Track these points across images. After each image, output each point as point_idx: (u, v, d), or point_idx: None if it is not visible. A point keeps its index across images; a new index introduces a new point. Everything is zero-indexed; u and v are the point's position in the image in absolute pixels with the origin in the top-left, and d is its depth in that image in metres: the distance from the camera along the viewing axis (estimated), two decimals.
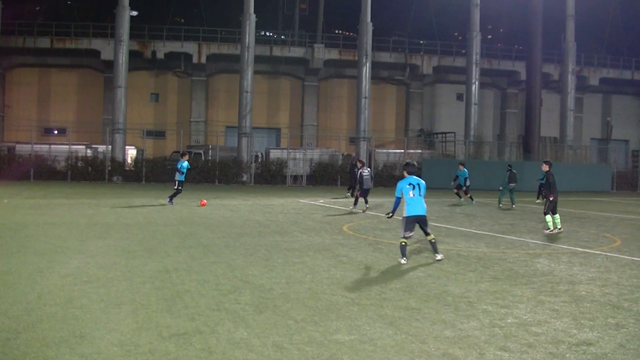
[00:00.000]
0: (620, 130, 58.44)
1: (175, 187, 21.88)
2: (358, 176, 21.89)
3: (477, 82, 46.64)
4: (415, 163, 12.06)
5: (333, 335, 6.25)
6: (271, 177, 40.98)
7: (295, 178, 42.12)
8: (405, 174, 11.08)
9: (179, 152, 40.66)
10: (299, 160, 42.42)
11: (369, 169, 22.61)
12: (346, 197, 28.12)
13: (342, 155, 44.13)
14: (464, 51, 50.33)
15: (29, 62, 48.08)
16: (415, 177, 10.96)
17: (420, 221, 10.88)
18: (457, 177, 26.78)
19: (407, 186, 10.82)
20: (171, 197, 21.78)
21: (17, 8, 45.45)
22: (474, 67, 46.44)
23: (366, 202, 21.62)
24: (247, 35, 41.06)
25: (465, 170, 26.49)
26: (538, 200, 28.91)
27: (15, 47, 45.36)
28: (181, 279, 8.81)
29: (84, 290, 7.93)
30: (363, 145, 42.90)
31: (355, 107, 44.69)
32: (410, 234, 10.84)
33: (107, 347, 5.67)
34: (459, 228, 16.91)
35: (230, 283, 8.65)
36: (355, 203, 21.71)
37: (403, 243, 10.78)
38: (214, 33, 49.09)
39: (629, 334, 6.59)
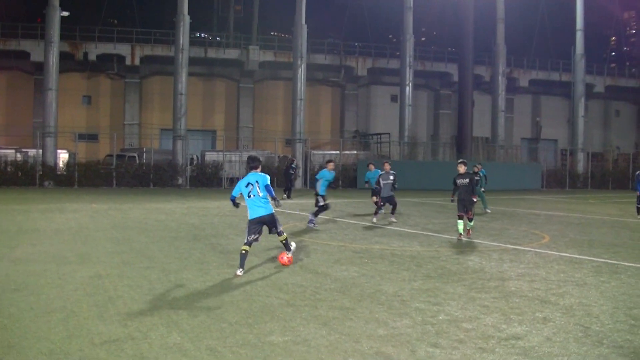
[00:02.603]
0: (550, 130, 60.12)
1: (318, 203, 17.06)
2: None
3: (411, 84, 47.26)
4: (258, 157, 10.29)
5: (267, 337, 6.26)
6: (207, 179, 40.74)
7: (232, 180, 41.88)
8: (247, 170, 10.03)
9: (112, 155, 40.07)
10: (235, 163, 42.20)
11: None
12: (282, 199, 28.08)
13: (278, 157, 44.11)
14: (398, 53, 50.96)
15: None
16: (256, 172, 9.84)
17: (266, 222, 9.87)
18: (368, 180, 21.25)
19: (245, 187, 9.66)
20: (314, 214, 17.03)
21: None
22: (407, 69, 47.06)
23: (381, 208, 19.55)
24: (181, 37, 40.67)
25: (378, 170, 20.47)
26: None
27: None
28: (114, 285, 8.67)
29: (13, 299, 7.74)
30: (299, 147, 42.94)
31: (291, 108, 44.67)
32: (256, 237, 9.75)
33: (36, 356, 5.55)
34: (393, 228, 17.10)
35: (164, 287, 8.56)
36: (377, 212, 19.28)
37: (243, 251, 9.62)
38: (148, 34, 48.43)
39: (555, 327, 6.80)
